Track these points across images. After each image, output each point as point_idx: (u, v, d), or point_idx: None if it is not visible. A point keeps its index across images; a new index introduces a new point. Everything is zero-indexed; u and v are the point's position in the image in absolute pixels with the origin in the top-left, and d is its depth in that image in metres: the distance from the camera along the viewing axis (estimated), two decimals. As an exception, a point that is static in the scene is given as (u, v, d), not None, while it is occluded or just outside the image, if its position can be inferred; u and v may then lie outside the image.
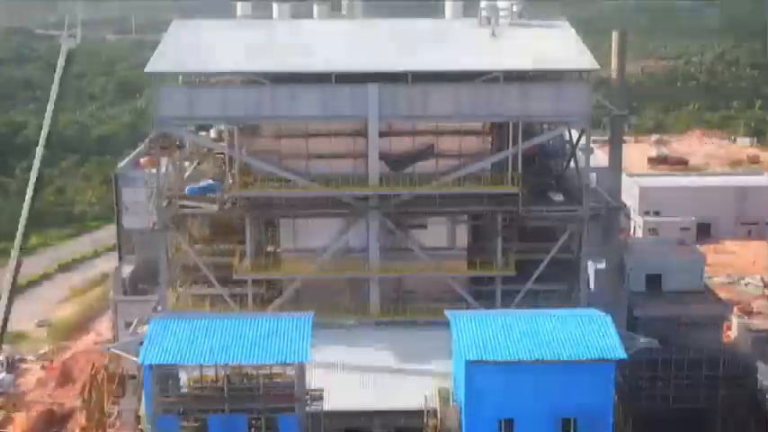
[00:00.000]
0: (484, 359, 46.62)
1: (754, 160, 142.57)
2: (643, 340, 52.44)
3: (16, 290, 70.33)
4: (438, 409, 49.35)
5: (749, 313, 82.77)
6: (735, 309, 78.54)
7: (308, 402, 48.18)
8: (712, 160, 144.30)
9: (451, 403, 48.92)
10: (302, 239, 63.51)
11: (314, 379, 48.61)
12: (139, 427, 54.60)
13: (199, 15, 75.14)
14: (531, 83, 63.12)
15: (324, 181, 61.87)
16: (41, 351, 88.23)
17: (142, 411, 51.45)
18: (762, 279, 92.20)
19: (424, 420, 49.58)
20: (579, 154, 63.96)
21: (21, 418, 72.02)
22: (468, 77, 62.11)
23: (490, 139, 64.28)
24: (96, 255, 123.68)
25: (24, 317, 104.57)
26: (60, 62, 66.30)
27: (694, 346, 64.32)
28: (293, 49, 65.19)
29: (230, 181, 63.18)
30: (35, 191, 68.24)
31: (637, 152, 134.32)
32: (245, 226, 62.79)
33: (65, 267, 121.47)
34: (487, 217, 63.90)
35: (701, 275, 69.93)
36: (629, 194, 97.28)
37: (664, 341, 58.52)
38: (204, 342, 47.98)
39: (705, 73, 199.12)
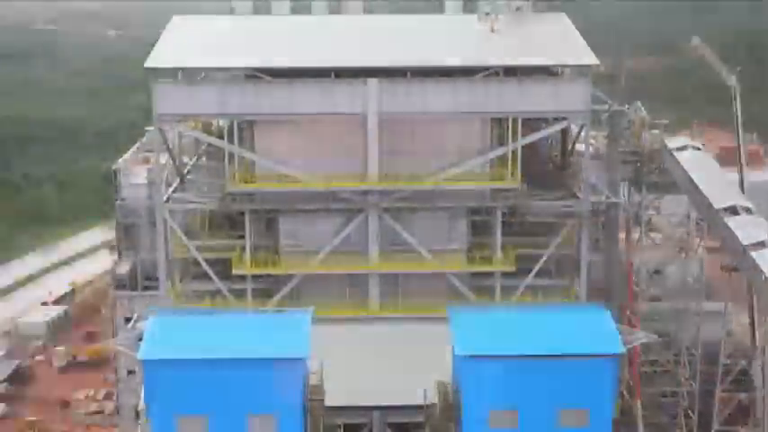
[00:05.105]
0: (482, 354, 46.62)
1: (755, 156, 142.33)
2: (642, 335, 52.46)
3: None
4: (437, 404, 49.41)
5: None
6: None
7: (308, 398, 48.16)
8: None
9: (451, 398, 48.92)
10: (301, 235, 63.56)
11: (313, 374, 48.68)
12: (138, 422, 54.71)
13: (198, 12, 75.36)
14: (530, 78, 63.15)
15: (323, 177, 61.90)
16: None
17: (141, 407, 51.48)
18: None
19: (424, 415, 49.67)
20: (579, 149, 64.18)
21: None
22: (468, 73, 62.21)
23: (490, 134, 64.30)
24: (96, 250, 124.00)
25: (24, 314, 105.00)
26: None
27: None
28: (292, 45, 65.24)
29: (229, 177, 63.29)
30: None
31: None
32: (245, 222, 62.86)
33: (65, 263, 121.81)
34: (487, 212, 63.95)
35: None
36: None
37: (664, 336, 58.69)
38: (203, 337, 48.02)
39: (705, 68, 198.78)
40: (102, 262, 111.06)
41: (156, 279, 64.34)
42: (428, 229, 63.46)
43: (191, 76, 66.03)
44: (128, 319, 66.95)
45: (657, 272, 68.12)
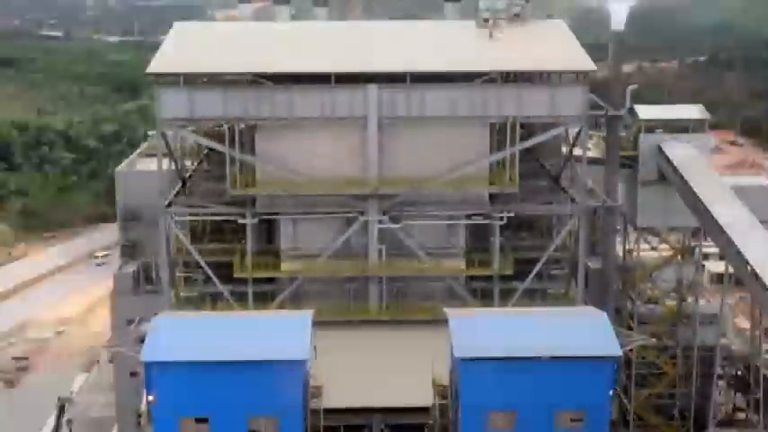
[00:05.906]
0: (481, 356, 47.10)
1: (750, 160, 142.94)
2: (639, 337, 52.94)
3: None
4: (436, 406, 49.88)
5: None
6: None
7: (308, 399, 48.61)
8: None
9: (449, 400, 49.43)
10: (302, 238, 64.06)
11: (313, 376, 49.15)
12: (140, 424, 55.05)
13: (200, 18, 76.04)
14: (528, 84, 63.68)
15: (323, 181, 62.39)
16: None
17: (143, 409, 51.89)
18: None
19: (423, 417, 50.10)
20: (576, 153, 64.66)
21: None
22: (467, 78, 62.75)
23: (489, 139, 64.79)
24: (98, 254, 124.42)
25: (24, 318, 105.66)
26: None
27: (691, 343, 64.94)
28: (293, 50, 65.78)
29: (231, 180, 63.78)
30: None
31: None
32: (246, 225, 63.36)
33: (67, 266, 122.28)
34: (485, 216, 64.43)
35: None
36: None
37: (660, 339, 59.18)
38: (205, 339, 48.51)
39: (700, 73, 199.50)
40: (105, 265, 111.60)
41: (158, 281, 64.85)
42: (427, 232, 63.93)
43: (193, 81, 66.52)
44: (130, 321, 67.41)
45: (655, 274, 68.60)
